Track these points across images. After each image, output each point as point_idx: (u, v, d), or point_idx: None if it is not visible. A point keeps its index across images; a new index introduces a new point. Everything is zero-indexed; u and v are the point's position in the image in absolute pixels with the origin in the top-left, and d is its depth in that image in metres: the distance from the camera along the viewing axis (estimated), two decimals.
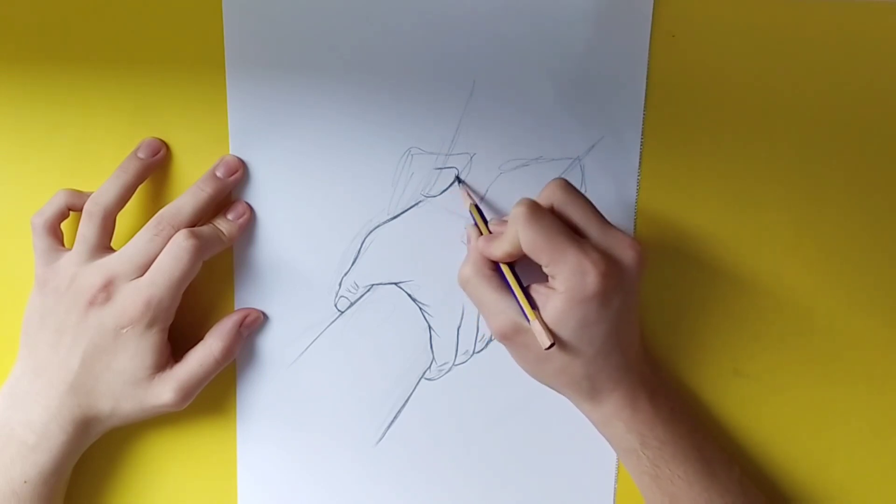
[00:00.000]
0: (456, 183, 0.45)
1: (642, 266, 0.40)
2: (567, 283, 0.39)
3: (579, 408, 0.43)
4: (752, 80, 0.44)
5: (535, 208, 0.40)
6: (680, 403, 0.44)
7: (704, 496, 0.42)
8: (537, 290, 0.41)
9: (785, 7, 0.44)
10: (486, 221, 0.43)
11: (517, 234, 0.39)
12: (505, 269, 0.41)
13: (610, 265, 0.39)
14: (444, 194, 0.46)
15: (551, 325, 0.39)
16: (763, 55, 0.44)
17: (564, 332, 0.39)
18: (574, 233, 0.40)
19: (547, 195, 0.41)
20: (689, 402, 0.47)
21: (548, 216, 0.40)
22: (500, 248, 0.41)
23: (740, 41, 0.44)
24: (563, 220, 0.40)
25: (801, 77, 0.44)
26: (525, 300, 0.40)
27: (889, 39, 0.44)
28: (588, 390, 0.41)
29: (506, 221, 0.43)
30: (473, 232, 0.44)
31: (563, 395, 0.43)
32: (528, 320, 0.39)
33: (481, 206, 0.45)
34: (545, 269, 0.40)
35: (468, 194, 0.45)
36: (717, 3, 0.44)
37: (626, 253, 0.40)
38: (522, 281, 0.41)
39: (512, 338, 0.41)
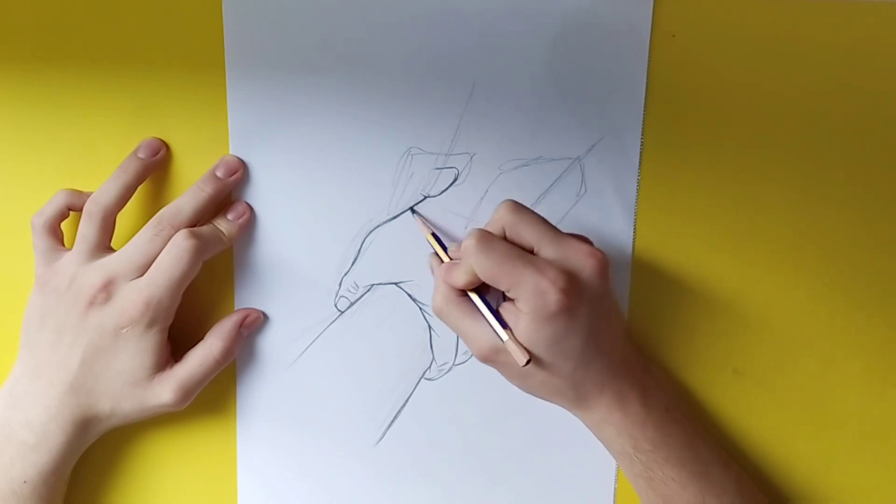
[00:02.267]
0: (411, 213, 0.45)
1: (605, 272, 0.40)
2: (529, 304, 0.39)
3: (572, 413, 0.43)
4: (752, 79, 0.44)
5: (484, 238, 0.39)
6: (675, 402, 0.44)
7: (699, 498, 0.42)
8: (507, 310, 0.41)
9: (785, 7, 0.44)
10: (444, 248, 0.44)
11: (471, 266, 0.40)
12: (472, 294, 0.41)
13: (569, 280, 0.39)
14: (444, 194, 0.46)
15: (525, 344, 0.39)
16: (763, 55, 0.44)
17: (539, 350, 0.39)
18: (529, 253, 0.40)
19: (497, 220, 0.41)
20: (686, 401, 0.47)
21: (498, 243, 0.40)
22: (460, 278, 0.41)
23: (740, 41, 0.44)
24: (517, 243, 0.40)
25: (801, 77, 0.44)
26: (496, 322, 0.40)
27: (889, 39, 0.44)
28: (574, 398, 0.42)
29: None
30: (435, 261, 0.44)
31: (554, 403, 0.43)
32: (503, 340, 0.40)
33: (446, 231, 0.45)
34: (508, 294, 0.40)
35: (423, 223, 0.45)
36: (717, 3, 0.44)
37: (584, 262, 0.40)
38: (492, 301, 0.41)
39: (493, 359, 0.41)
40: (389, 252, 0.46)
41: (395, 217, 0.46)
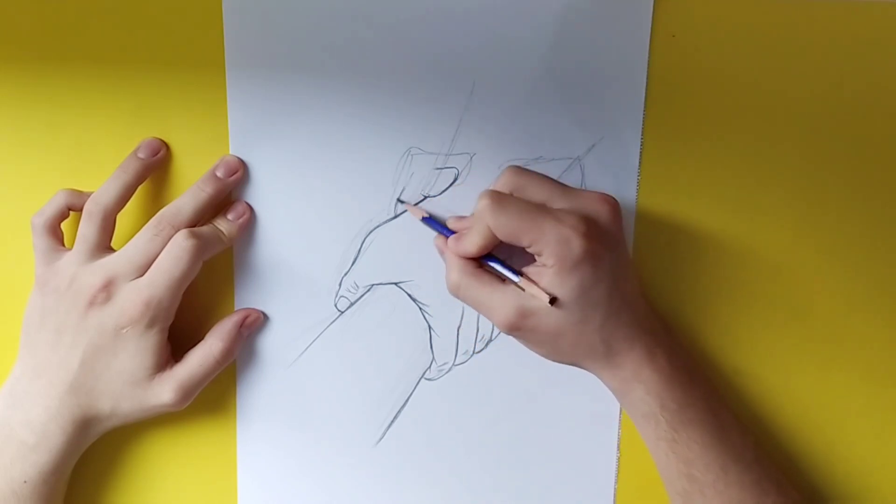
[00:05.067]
0: (399, 204, 0.45)
1: (619, 217, 0.41)
2: (554, 255, 0.39)
3: (599, 376, 0.43)
4: (752, 79, 0.44)
5: (498, 196, 0.40)
6: (696, 367, 0.44)
7: (720, 462, 0.41)
8: (527, 272, 0.41)
9: (785, 7, 0.44)
10: (444, 224, 0.44)
11: (488, 226, 0.40)
12: (488, 261, 0.42)
13: (589, 225, 0.40)
14: (444, 194, 0.46)
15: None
16: (763, 55, 0.44)
17: (568, 303, 0.40)
18: (543, 206, 0.41)
19: (503, 184, 0.42)
20: (705, 369, 0.47)
21: (513, 199, 0.40)
22: (473, 244, 0.41)
23: (740, 41, 0.44)
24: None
25: (801, 77, 0.44)
26: (513, 274, 0.40)
27: (889, 39, 0.44)
28: (605, 355, 0.41)
29: (464, 217, 0.44)
30: (441, 241, 0.44)
31: (582, 366, 0.42)
32: (524, 289, 0.40)
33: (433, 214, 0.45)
34: (529, 250, 0.40)
35: (414, 209, 0.45)
36: (717, 3, 0.44)
37: (600, 208, 0.41)
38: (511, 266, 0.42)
39: (520, 325, 0.41)
40: (389, 252, 0.46)
41: (395, 217, 0.46)
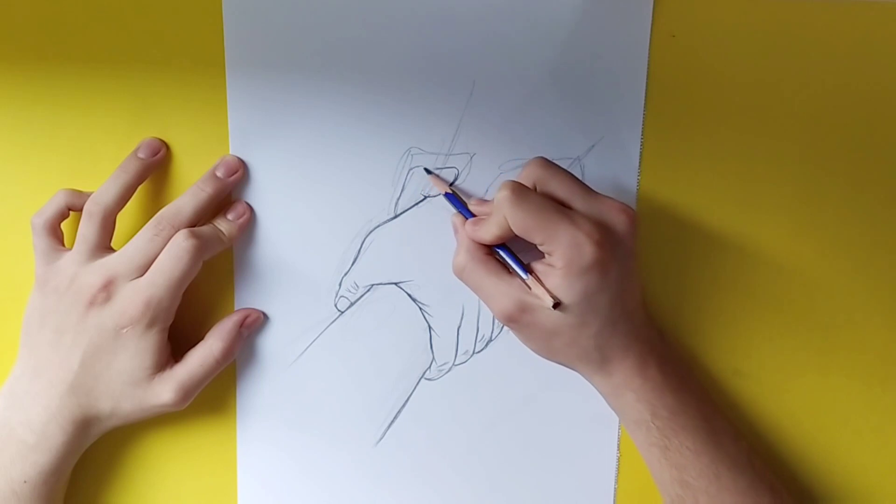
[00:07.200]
0: (426, 174, 0.45)
1: (635, 229, 0.41)
2: (564, 257, 0.39)
3: (590, 380, 0.43)
4: (752, 79, 0.44)
5: (519, 189, 0.40)
6: (689, 374, 0.44)
7: (712, 468, 0.41)
8: (535, 268, 0.41)
9: (785, 7, 0.44)
10: (465, 204, 0.44)
11: (504, 218, 0.40)
12: (497, 249, 0.42)
13: (604, 233, 0.39)
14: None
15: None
16: (763, 55, 0.44)
17: (569, 306, 0.40)
18: (562, 206, 0.40)
19: (527, 175, 0.41)
20: (698, 375, 0.46)
21: (533, 195, 0.40)
22: (489, 233, 0.41)
23: (740, 41, 0.44)
24: (548, 197, 0.41)
25: (801, 77, 0.44)
26: (522, 270, 0.40)
27: (889, 39, 0.44)
28: (598, 361, 0.41)
29: (486, 201, 0.44)
30: (459, 220, 0.44)
31: (574, 368, 0.42)
32: (530, 287, 0.40)
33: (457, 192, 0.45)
34: (540, 248, 0.40)
35: (439, 181, 0.45)
36: (717, 3, 0.44)
37: (617, 218, 0.40)
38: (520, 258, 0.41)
39: (518, 318, 0.41)
40: (389, 252, 0.46)
41: (395, 217, 0.46)
